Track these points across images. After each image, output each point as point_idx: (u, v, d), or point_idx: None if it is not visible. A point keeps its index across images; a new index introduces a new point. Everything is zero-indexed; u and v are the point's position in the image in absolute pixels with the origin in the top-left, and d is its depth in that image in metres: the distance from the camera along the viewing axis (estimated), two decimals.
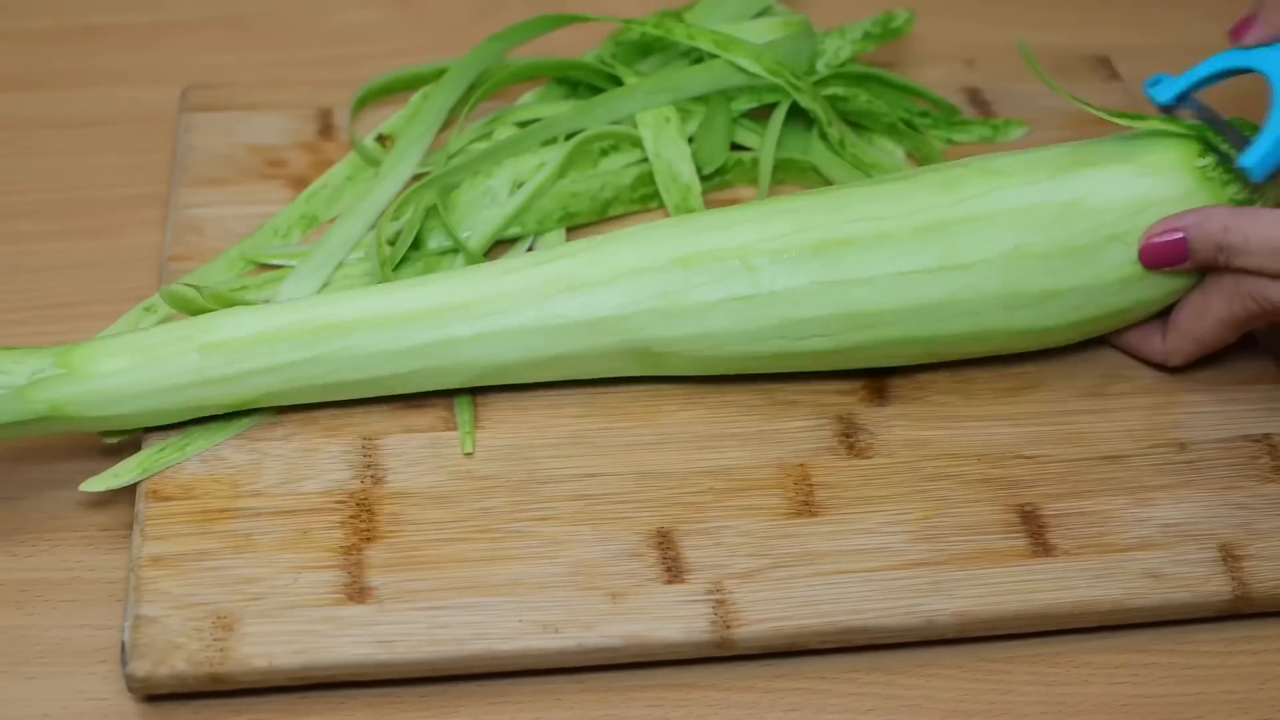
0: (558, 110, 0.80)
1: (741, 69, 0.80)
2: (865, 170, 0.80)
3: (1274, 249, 0.67)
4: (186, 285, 0.68)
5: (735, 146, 0.82)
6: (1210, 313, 0.70)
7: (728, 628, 0.63)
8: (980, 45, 0.92)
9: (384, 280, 0.72)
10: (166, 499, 0.66)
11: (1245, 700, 0.64)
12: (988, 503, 0.68)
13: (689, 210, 0.77)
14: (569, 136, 0.79)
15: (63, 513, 0.68)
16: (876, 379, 0.72)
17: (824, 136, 0.81)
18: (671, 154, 0.78)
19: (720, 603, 0.64)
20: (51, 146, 0.83)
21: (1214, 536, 0.67)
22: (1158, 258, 0.69)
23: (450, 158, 0.78)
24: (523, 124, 0.81)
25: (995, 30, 0.94)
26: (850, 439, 0.70)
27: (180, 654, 0.61)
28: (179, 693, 0.62)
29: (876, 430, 0.70)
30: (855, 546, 0.66)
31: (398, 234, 0.75)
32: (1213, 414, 0.72)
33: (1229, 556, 0.66)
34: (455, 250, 0.75)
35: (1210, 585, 0.65)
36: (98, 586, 0.65)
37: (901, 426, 0.70)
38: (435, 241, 0.76)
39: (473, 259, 0.74)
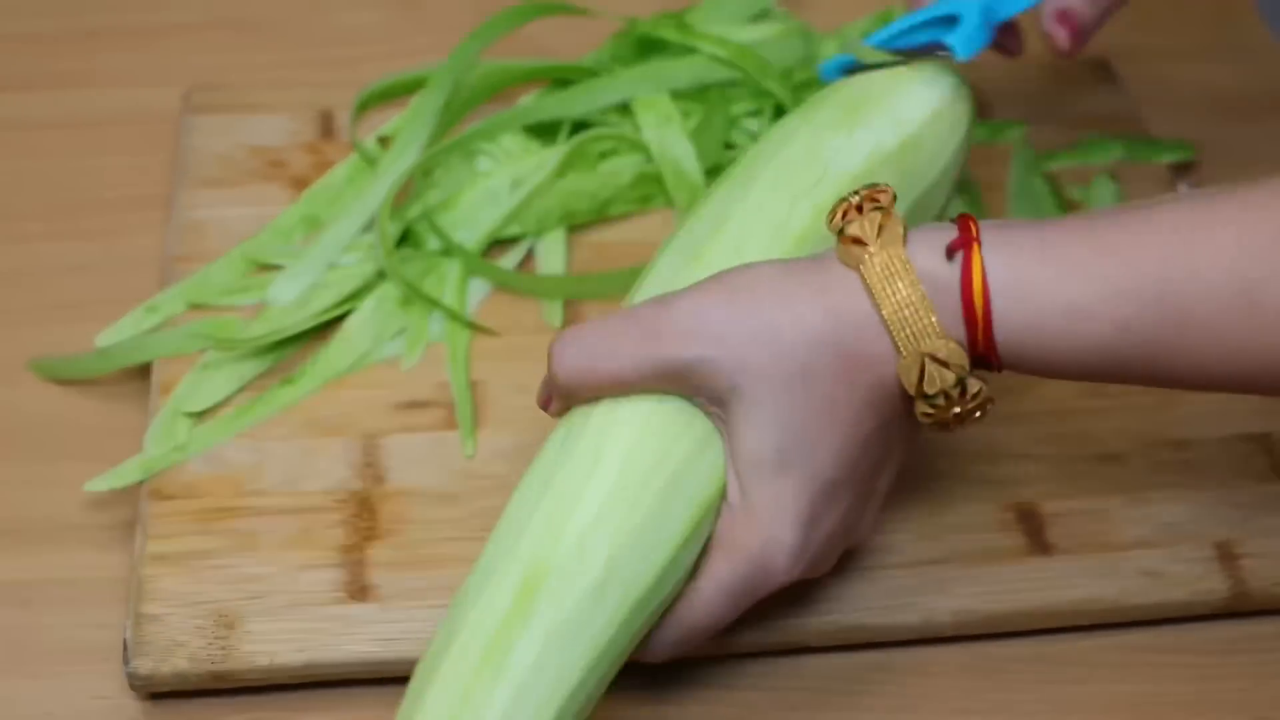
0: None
1: (715, 59, 0.81)
2: None
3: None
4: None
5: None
6: None
7: (730, 626, 0.62)
8: None
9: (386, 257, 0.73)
10: (169, 498, 0.66)
11: (1243, 698, 0.64)
12: (986, 501, 0.68)
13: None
14: (570, 135, 0.80)
15: (66, 512, 0.68)
16: None
17: None
18: (677, 152, 0.78)
19: None
20: (53, 148, 0.83)
21: (1212, 535, 0.67)
22: None
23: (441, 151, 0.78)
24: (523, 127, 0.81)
25: None
26: None
27: (182, 652, 0.61)
28: (181, 691, 0.62)
29: None
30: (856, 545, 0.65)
31: (403, 229, 0.75)
32: (1211, 414, 0.71)
33: (1226, 555, 0.66)
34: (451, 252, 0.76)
35: (1208, 583, 0.66)
36: (100, 585, 0.66)
37: None
38: (435, 242, 0.76)
39: (470, 259, 0.75)
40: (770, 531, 0.57)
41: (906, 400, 0.57)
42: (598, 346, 0.58)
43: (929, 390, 0.56)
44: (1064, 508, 0.68)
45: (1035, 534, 0.67)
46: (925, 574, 0.65)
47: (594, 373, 0.57)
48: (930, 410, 0.57)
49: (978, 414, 0.57)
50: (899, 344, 0.55)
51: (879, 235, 0.56)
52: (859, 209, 0.57)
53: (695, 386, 0.57)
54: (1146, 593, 0.65)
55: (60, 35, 0.90)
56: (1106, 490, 0.68)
